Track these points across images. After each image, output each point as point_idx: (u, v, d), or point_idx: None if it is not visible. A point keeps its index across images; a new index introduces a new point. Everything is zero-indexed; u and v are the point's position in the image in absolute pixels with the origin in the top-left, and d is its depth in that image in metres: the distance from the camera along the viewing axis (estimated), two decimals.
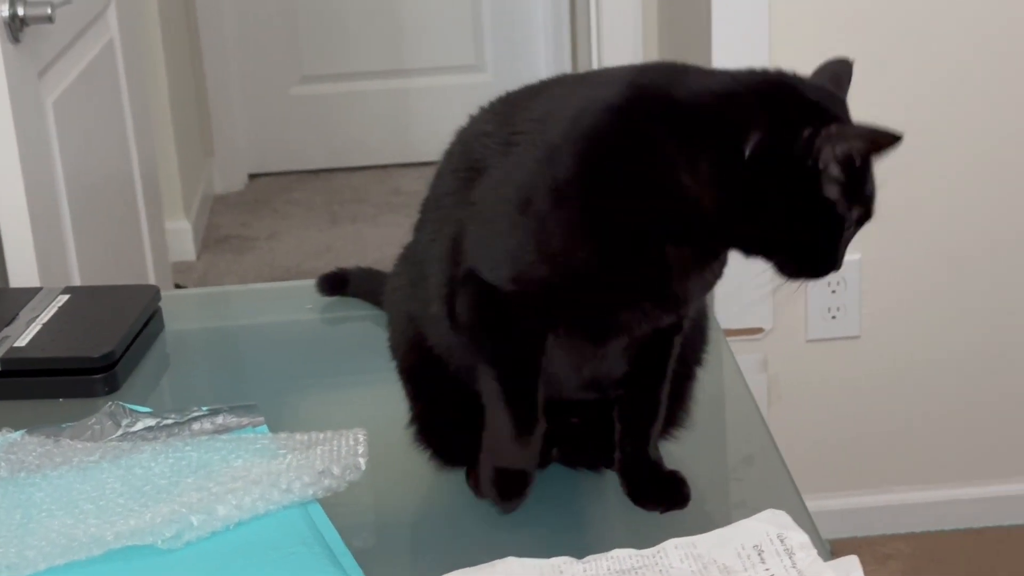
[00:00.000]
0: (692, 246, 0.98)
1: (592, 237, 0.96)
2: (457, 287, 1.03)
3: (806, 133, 0.93)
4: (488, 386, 1.03)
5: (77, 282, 2.03)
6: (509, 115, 1.03)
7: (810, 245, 0.97)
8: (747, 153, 0.94)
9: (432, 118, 4.30)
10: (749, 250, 0.99)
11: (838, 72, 1.02)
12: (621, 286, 0.99)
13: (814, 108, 0.95)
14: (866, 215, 0.98)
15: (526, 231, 0.98)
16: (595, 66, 2.82)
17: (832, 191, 0.95)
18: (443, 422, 1.12)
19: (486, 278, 1.00)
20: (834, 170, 0.94)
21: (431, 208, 1.10)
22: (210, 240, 3.98)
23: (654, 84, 0.99)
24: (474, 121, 1.08)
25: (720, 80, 0.98)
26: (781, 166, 0.94)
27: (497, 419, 1.03)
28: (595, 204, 0.96)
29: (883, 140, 0.93)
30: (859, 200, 0.96)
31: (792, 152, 0.93)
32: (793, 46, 2.21)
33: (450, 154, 1.09)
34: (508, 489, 1.04)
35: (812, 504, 1.08)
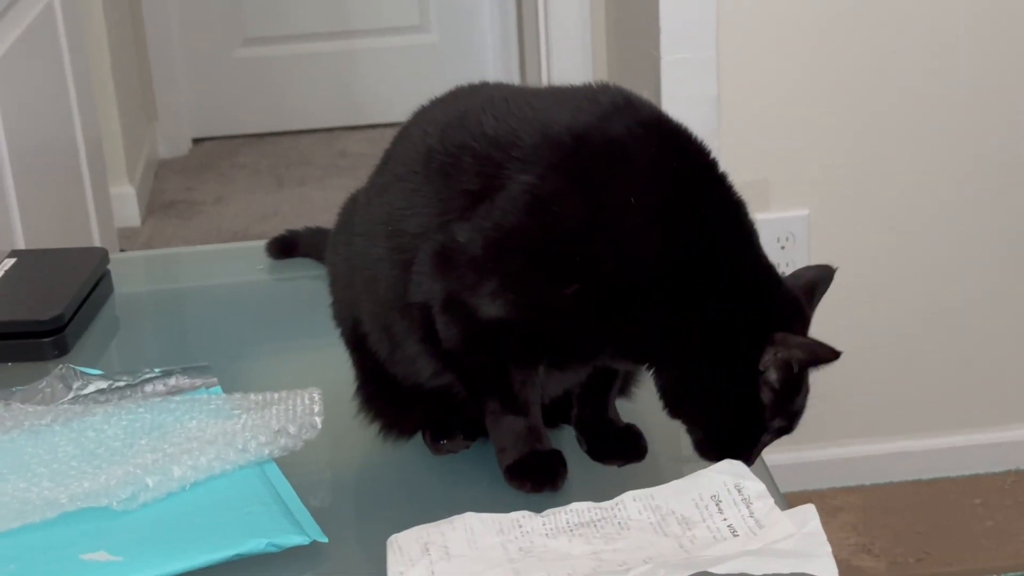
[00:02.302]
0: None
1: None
2: (438, 312, 1.01)
3: (758, 339, 0.98)
4: (489, 405, 1.03)
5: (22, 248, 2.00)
6: (512, 129, 1.00)
7: (728, 432, 1.01)
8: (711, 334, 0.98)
9: (377, 79, 4.26)
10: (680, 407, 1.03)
11: (815, 279, 1.06)
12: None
13: (776, 315, 1.00)
14: (787, 428, 1.02)
15: (540, 277, 0.98)
16: (542, 27, 2.81)
17: (766, 395, 0.99)
18: (387, 396, 1.12)
19: (484, 314, 0.99)
20: (772, 376, 0.99)
21: (391, 188, 1.06)
22: (155, 205, 3.94)
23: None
24: (465, 111, 1.04)
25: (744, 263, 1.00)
26: (733, 360, 0.99)
27: (502, 425, 1.03)
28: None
29: (823, 354, 0.99)
30: (784, 413, 1.01)
31: (744, 352, 0.98)
32: (740, 30, 2.21)
33: (429, 142, 1.04)
34: (546, 472, 1.03)
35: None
